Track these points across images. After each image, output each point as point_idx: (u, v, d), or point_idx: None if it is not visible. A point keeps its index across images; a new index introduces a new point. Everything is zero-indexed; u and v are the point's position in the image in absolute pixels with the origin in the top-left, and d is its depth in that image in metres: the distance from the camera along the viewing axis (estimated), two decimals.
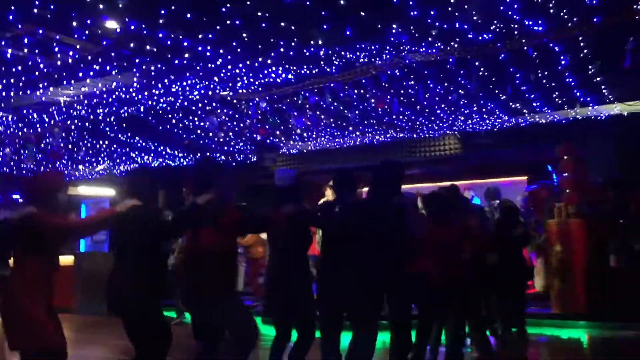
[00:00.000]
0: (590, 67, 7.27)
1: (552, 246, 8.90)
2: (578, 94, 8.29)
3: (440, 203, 5.50)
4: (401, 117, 9.70)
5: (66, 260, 9.63)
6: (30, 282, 3.64)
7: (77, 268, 10.09)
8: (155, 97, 8.43)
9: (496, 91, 8.23)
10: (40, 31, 5.48)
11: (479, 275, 5.77)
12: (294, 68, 7.23)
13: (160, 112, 9.43)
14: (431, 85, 8.08)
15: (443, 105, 8.96)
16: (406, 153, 11.84)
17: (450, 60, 7.12)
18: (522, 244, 7.49)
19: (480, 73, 7.40)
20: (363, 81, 8.01)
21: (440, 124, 10.22)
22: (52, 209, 3.77)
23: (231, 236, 4.12)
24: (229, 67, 6.86)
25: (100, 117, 9.39)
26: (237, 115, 9.77)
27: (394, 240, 4.41)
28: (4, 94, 7.35)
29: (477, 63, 7.12)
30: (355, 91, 8.36)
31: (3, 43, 5.77)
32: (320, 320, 4.45)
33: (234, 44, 5.98)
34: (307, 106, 9.04)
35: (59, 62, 6.26)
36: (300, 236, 4.46)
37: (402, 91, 8.33)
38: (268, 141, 11.47)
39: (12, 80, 6.82)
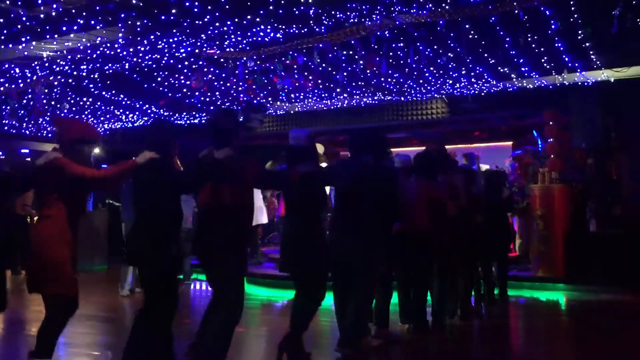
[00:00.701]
0: (579, 32, 7.26)
1: (534, 211, 9.05)
2: (566, 59, 8.29)
3: (429, 162, 5.64)
4: (389, 79, 9.65)
5: None
6: (57, 227, 3.73)
7: None
8: (141, 54, 8.27)
9: (485, 55, 8.20)
10: None
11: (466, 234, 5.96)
12: (283, 27, 7.12)
13: (146, 69, 9.27)
14: (420, 48, 8.02)
15: (432, 69, 8.92)
16: (393, 116, 11.84)
17: (441, 22, 7.07)
18: (506, 208, 7.64)
19: (470, 36, 7.36)
20: (352, 42, 7.92)
21: (429, 88, 10.19)
22: (75, 158, 3.84)
23: (250, 192, 4.00)
24: (217, 24, 6.73)
25: (84, 74, 9.20)
26: (223, 75, 9.64)
27: (389, 200, 4.75)
28: None
29: (467, 26, 7.07)
30: (344, 52, 8.27)
31: None
32: (332, 276, 4.66)
33: (222, 0, 5.86)
34: (295, 66, 8.93)
35: (42, 16, 6.09)
36: (314, 196, 4.45)
37: (391, 53, 8.26)
38: (255, 102, 11.37)
39: None
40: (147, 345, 3.75)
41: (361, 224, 4.57)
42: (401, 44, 7.95)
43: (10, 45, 7.19)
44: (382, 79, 9.51)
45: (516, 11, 6.55)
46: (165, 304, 3.79)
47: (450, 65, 8.70)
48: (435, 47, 7.97)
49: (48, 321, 3.79)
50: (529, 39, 7.48)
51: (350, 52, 8.28)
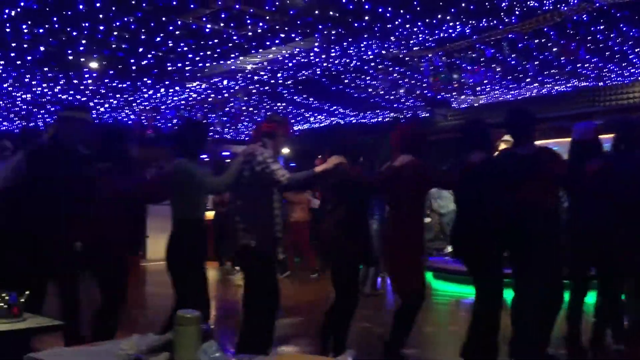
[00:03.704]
0: None
1: None
2: None
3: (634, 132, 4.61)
4: (586, 65, 9.05)
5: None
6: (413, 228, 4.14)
7: None
8: (331, 60, 8.73)
9: None
10: (237, 6, 5.92)
11: None
12: (473, 22, 7.05)
13: (334, 73, 9.75)
14: (624, 29, 7.42)
15: (637, 50, 8.19)
16: (589, 102, 11.05)
17: None
18: None
19: None
20: (545, 29, 7.59)
21: (632, 70, 9.37)
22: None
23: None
24: (407, 26, 6.88)
25: (280, 81, 9.93)
26: (408, 72, 9.78)
27: None
28: (200, 65, 8.09)
29: None
30: (535, 41, 7.95)
31: (204, 19, 6.34)
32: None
33: (415, 2, 5.98)
34: (482, 59, 8.78)
35: (249, 33, 6.72)
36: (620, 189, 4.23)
37: (589, 37, 7.76)
38: (439, 97, 11.35)
39: (208, 52, 7.47)
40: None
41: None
42: (601, 27, 7.43)
43: (221, 62, 8.03)
44: (578, 64, 8.95)
45: None
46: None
47: None
48: None
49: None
50: None
51: (543, 40, 7.93)
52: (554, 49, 8.15)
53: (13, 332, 3.19)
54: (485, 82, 9.85)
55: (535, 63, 8.85)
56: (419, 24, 6.79)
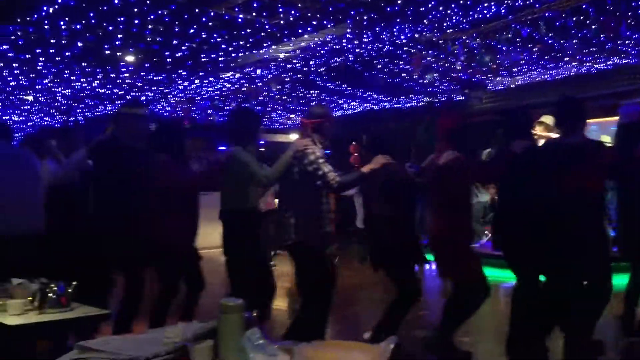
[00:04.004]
0: None
1: None
2: None
3: None
4: (627, 42, 8.77)
5: None
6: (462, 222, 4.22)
7: None
8: (364, 45, 8.67)
9: None
10: None
11: None
12: (508, 1, 6.90)
13: (367, 58, 9.68)
14: None
15: None
16: (630, 81, 10.71)
17: None
18: None
19: None
20: (584, 7, 7.38)
21: None
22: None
23: None
24: (440, 8, 6.77)
25: (313, 69, 9.91)
26: (442, 56, 9.65)
27: None
28: (233, 55, 8.13)
29: None
30: (574, 18, 7.74)
31: (236, 9, 6.37)
32: None
33: None
34: (518, 39, 8.59)
35: (282, 22, 6.72)
36: None
37: (629, 13, 7.51)
38: (474, 79, 11.17)
39: (241, 42, 7.51)
40: None
41: None
42: None
43: (254, 51, 8.06)
44: (619, 41, 8.67)
45: None
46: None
47: None
48: None
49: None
50: None
51: (581, 17, 7.72)
52: (593, 26, 7.91)
53: (62, 322, 3.30)
54: (521, 62, 9.63)
55: (574, 41, 8.62)
56: (453, 5, 6.67)
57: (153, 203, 4.25)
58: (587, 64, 10.29)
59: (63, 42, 6.91)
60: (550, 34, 8.25)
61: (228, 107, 12.34)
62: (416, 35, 8.47)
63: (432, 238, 4.34)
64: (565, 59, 9.76)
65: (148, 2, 5.91)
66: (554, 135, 8.24)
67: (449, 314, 4.21)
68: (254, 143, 4.44)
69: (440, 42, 9.03)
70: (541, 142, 8.65)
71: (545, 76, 11.18)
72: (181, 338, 2.17)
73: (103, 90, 10.12)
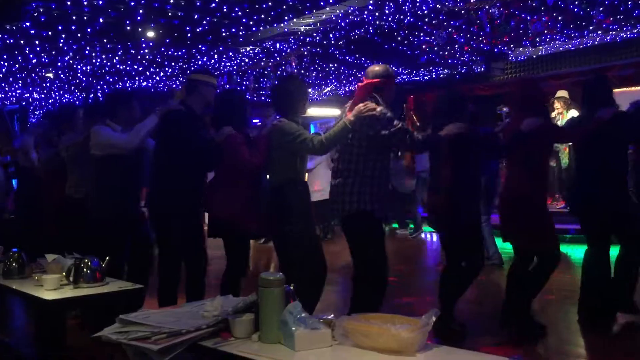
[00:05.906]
0: None
1: None
2: None
3: None
4: None
5: None
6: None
7: None
8: (384, 17, 8.54)
9: None
10: None
11: None
12: None
13: (387, 31, 9.54)
14: None
15: None
16: None
17: None
18: None
19: None
20: None
21: None
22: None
23: None
24: None
25: (332, 42, 9.80)
26: (463, 27, 9.48)
27: None
28: (253, 28, 8.07)
29: None
30: None
31: None
32: None
33: None
34: (543, 8, 8.41)
35: None
36: None
37: None
38: (496, 50, 10.98)
39: (262, 16, 7.43)
40: None
41: None
42: None
43: (274, 25, 7.98)
44: None
45: None
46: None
47: None
48: None
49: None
50: None
51: None
52: None
53: (96, 296, 3.36)
54: (545, 32, 9.43)
55: (600, 9, 8.41)
56: None
57: (221, 177, 4.16)
58: (612, 32, 10.04)
59: (84, 18, 6.89)
60: (575, 2, 8.07)
61: (245, 82, 12.29)
62: (438, 6, 8.33)
63: (513, 201, 4.16)
64: (590, 27, 9.53)
65: None
66: (573, 111, 8.18)
67: (523, 284, 4.12)
68: (299, 114, 4.11)
69: (462, 12, 8.87)
70: (558, 117, 8.62)
71: (569, 45, 10.95)
72: (220, 311, 2.19)
73: (123, 67, 10.12)
